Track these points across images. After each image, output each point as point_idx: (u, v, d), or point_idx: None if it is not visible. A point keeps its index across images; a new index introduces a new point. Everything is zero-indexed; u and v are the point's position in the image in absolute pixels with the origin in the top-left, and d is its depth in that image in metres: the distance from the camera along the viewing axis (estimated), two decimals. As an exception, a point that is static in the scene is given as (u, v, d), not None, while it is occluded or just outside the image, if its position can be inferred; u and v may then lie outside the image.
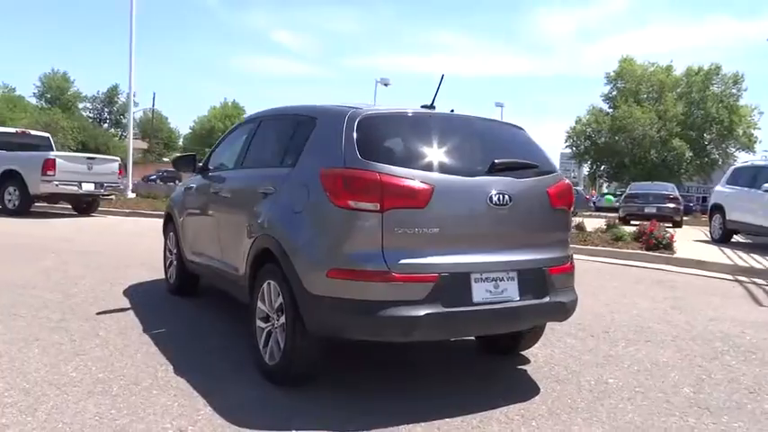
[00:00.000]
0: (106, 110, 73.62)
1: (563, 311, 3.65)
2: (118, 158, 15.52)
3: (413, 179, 3.22)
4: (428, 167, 3.32)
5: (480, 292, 3.29)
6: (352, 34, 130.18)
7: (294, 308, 3.30)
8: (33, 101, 67.34)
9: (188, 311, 5.34)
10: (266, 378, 3.55)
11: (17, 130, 16.02)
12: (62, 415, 2.99)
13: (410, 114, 3.68)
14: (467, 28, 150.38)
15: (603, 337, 5.00)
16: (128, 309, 5.23)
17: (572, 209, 3.92)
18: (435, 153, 3.45)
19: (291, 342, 3.35)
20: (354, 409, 3.25)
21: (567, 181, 3.89)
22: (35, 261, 7.39)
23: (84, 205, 14.66)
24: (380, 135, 3.52)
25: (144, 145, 65.62)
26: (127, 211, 15.60)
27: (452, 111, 3.94)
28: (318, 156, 3.50)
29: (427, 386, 3.68)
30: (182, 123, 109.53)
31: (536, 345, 4.31)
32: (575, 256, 3.90)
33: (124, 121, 77.60)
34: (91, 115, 71.43)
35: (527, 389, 3.66)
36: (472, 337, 4.40)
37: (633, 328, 5.36)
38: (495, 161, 3.48)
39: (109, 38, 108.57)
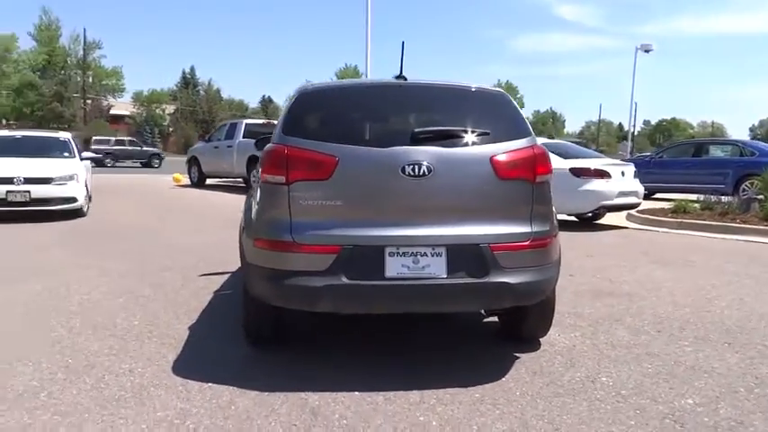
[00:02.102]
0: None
1: (510, 294, 3.28)
2: None
3: (316, 151, 3.23)
4: (338, 139, 3.31)
5: (395, 266, 3.18)
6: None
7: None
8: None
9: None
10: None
11: (264, 120, 18.67)
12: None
13: (347, 87, 3.65)
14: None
15: (666, 333, 4.24)
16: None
17: (541, 178, 3.41)
18: (351, 125, 3.45)
19: (244, 307, 3.69)
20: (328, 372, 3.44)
21: (538, 149, 3.42)
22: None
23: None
24: (309, 110, 3.61)
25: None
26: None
27: (403, 79, 3.72)
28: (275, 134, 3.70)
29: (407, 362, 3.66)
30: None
31: (561, 333, 3.92)
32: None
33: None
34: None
35: (496, 374, 3.43)
36: (492, 317, 4.14)
37: (721, 326, 4.44)
38: (415, 131, 3.29)
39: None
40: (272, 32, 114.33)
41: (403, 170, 3.18)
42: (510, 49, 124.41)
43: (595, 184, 9.72)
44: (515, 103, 3.69)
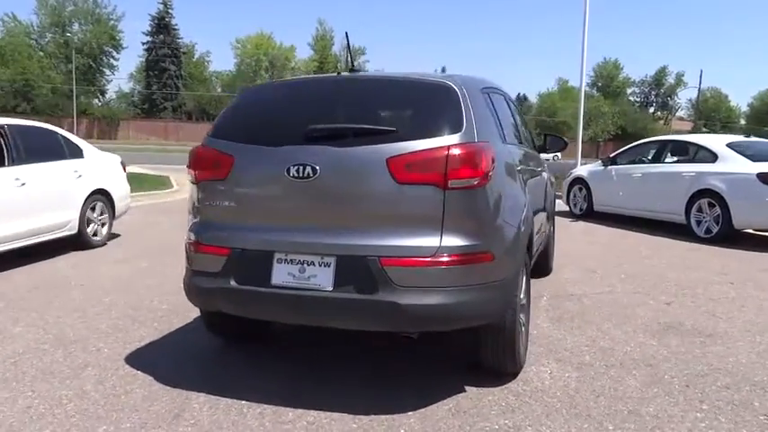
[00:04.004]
0: (653, 93, 73.80)
1: (402, 317, 2.79)
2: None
3: (216, 150, 3.14)
4: (240, 138, 3.15)
5: (281, 274, 2.95)
6: None
7: None
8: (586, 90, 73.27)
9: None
10: None
11: None
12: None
13: (281, 85, 3.46)
14: None
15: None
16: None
17: (457, 183, 2.83)
18: (257, 123, 3.23)
19: None
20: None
21: (459, 149, 2.85)
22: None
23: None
24: (237, 110, 3.47)
25: (688, 126, 63.03)
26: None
27: (338, 74, 3.38)
28: None
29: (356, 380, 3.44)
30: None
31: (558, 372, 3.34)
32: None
33: (671, 102, 76.41)
34: (638, 99, 72.87)
35: (415, 404, 3.03)
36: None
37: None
38: (307, 128, 2.97)
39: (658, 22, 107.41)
40: (524, 29, 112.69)
41: (288, 171, 2.93)
42: None
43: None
44: (460, 96, 3.09)
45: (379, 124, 2.99)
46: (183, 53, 66.60)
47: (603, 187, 10.63)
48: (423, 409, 2.99)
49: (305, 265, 2.92)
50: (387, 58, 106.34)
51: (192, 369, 3.50)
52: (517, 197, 3.43)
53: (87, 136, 44.66)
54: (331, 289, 2.87)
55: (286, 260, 2.96)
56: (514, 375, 3.40)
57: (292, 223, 3.00)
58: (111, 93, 68.81)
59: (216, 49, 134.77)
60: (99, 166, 7.45)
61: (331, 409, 2.97)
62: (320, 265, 2.90)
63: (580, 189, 11.16)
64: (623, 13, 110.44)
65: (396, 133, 2.91)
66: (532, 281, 5.61)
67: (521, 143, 4.44)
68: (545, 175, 5.44)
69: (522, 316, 3.57)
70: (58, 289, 5.21)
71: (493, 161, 3.01)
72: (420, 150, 2.83)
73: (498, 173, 3.10)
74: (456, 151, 2.84)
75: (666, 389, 3.29)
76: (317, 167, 2.89)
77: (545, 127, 69.31)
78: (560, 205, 11.78)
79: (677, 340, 4.10)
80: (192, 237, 3.23)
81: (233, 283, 3.03)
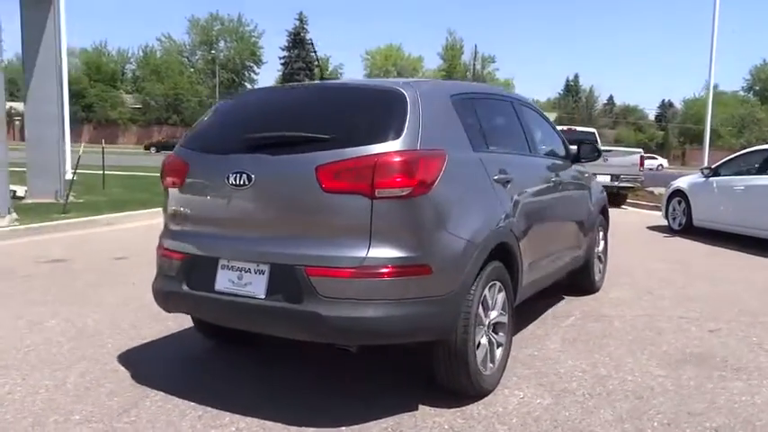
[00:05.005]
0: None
1: (325, 328, 2.73)
2: (639, 150, 15.08)
3: (176, 157, 3.29)
4: (197, 147, 3.29)
5: (223, 280, 3.03)
6: None
7: None
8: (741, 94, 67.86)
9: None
10: None
11: (566, 127, 17.57)
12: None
13: (243, 94, 3.53)
14: None
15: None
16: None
17: (386, 193, 2.72)
18: (215, 132, 3.33)
19: None
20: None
21: (388, 157, 2.75)
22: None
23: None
24: (204, 120, 3.56)
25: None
26: (651, 204, 14.78)
27: (300, 83, 3.36)
28: None
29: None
30: None
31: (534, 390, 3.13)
32: None
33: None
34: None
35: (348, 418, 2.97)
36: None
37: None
38: (245, 137, 3.02)
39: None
40: (670, 33, 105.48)
41: (228, 179, 2.99)
42: None
43: None
44: (408, 102, 2.97)
45: (320, 132, 2.94)
46: (317, 66, 69.67)
47: (703, 200, 9.67)
48: (358, 425, 2.91)
49: (242, 272, 2.98)
50: (517, 64, 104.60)
51: (175, 368, 3.68)
52: (480, 208, 3.24)
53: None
54: (263, 297, 2.89)
55: (228, 267, 3.03)
56: (479, 397, 3.22)
57: (234, 231, 3.08)
58: (251, 105, 73.44)
59: (348, 61, 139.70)
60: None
61: (270, 417, 2.98)
62: (255, 273, 2.94)
63: (679, 202, 10.25)
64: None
65: (328, 141, 2.87)
66: (568, 299, 5.33)
67: (529, 152, 4.20)
68: (578, 185, 5.09)
69: (499, 334, 3.39)
70: (110, 287, 5.65)
71: (439, 170, 2.89)
72: (348, 159, 2.78)
73: (451, 182, 2.98)
74: (386, 160, 2.76)
75: (639, 426, 2.96)
76: (253, 175, 2.93)
77: (690, 135, 64.54)
78: (658, 219, 10.97)
79: (693, 373, 3.67)
80: (159, 241, 3.39)
81: (185, 287, 3.16)
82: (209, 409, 3.07)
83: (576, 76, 71.21)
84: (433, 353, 3.10)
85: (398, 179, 2.75)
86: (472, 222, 3.11)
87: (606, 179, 14.04)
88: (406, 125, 2.88)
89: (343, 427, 2.90)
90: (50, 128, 11.31)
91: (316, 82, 3.58)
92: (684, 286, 6.07)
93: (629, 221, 11.95)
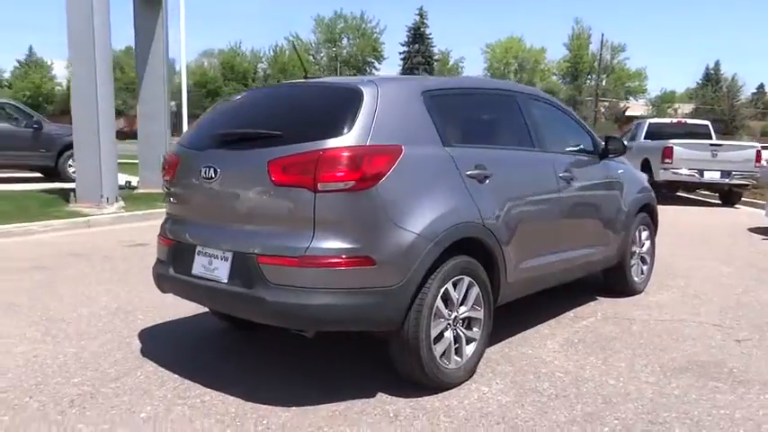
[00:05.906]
0: None
1: (269, 312, 2.95)
2: (756, 145, 13.72)
3: (171, 152, 3.62)
4: (187, 143, 3.62)
5: (198, 265, 3.33)
6: None
7: None
8: None
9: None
10: None
11: (676, 120, 16.46)
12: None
13: (238, 95, 3.78)
14: None
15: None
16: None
17: (328, 186, 2.85)
18: (200, 130, 3.61)
19: None
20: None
21: (333, 153, 2.88)
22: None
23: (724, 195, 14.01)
24: (200, 118, 3.84)
25: None
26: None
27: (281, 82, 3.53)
28: None
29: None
30: None
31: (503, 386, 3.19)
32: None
33: None
34: None
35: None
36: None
37: None
38: (215, 133, 3.31)
39: None
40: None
41: (200, 172, 3.28)
42: None
43: None
44: (365, 98, 3.07)
45: (275, 129, 3.15)
46: (436, 60, 69.84)
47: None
48: (304, 407, 3.07)
49: (212, 258, 3.25)
50: (651, 54, 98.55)
51: (183, 344, 4.05)
52: (442, 202, 3.24)
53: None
54: (226, 281, 3.15)
55: (203, 253, 3.32)
56: (440, 390, 3.27)
57: (207, 220, 3.40)
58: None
59: (469, 54, 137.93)
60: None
61: (235, 393, 3.22)
62: (222, 259, 3.20)
63: (786, 202, 9.34)
64: None
65: (282, 137, 3.06)
66: (600, 299, 5.14)
67: (532, 147, 4.11)
68: (605, 181, 4.89)
69: (473, 330, 3.43)
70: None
71: (389, 165, 2.98)
72: (295, 154, 2.97)
73: (406, 176, 3.07)
74: (330, 154, 2.90)
75: (588, 430, 2.87)
76: (218, 169, 3.20)
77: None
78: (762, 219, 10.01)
79: (688, 382, 3.47)
80: (159, 229, 3.76)
81: (171, 270, 3.50)
82: (188, 381, 3.37)
83: (717, 64, 65.63)
84: (389, 344, 3.20)
85: (340, 173, 2.88)
86: (427, 216, 3.13)
87: (715, 175, 13.06)
88: (357, 121, 3.01)
89: (293, 407, 3.08)
90: (157, 124, 12.43)
91: (294, 81, 3.79)
92: (744, 293, 5.60)
93: (730, 222, 11.05)
